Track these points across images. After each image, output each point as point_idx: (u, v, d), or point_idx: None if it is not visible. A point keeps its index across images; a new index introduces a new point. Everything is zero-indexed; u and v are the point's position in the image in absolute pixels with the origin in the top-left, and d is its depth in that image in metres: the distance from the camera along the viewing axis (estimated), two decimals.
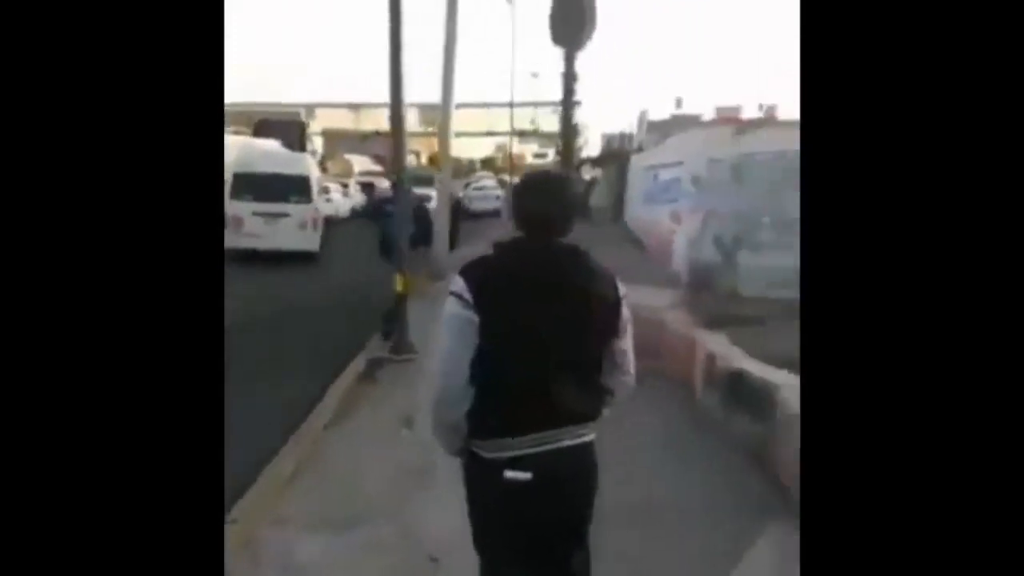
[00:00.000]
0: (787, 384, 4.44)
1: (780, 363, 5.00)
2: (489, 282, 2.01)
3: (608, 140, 34.28)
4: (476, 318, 1.95)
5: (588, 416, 2.10)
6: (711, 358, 5.45)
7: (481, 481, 2.08)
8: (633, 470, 4.41)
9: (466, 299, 1.97)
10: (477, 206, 26.72)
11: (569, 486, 2.08)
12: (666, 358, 6.58)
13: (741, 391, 4.88)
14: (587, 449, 2.11)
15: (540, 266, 2.04)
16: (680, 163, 12.41)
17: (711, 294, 9.99)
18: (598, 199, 27.24)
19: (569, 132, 27.74)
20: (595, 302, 2.06)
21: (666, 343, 6.59)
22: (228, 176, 14.39)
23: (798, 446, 3.87)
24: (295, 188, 14.08)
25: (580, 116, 30.98)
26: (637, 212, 18.54)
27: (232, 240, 13.29)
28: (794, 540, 3.46)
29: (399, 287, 7.04)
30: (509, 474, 2.00)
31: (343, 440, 4.98)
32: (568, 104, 27.23)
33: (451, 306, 2.00)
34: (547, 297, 2.01)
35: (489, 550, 2.13)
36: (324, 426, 5.15)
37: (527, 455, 2.00)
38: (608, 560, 3.16)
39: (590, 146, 38.07)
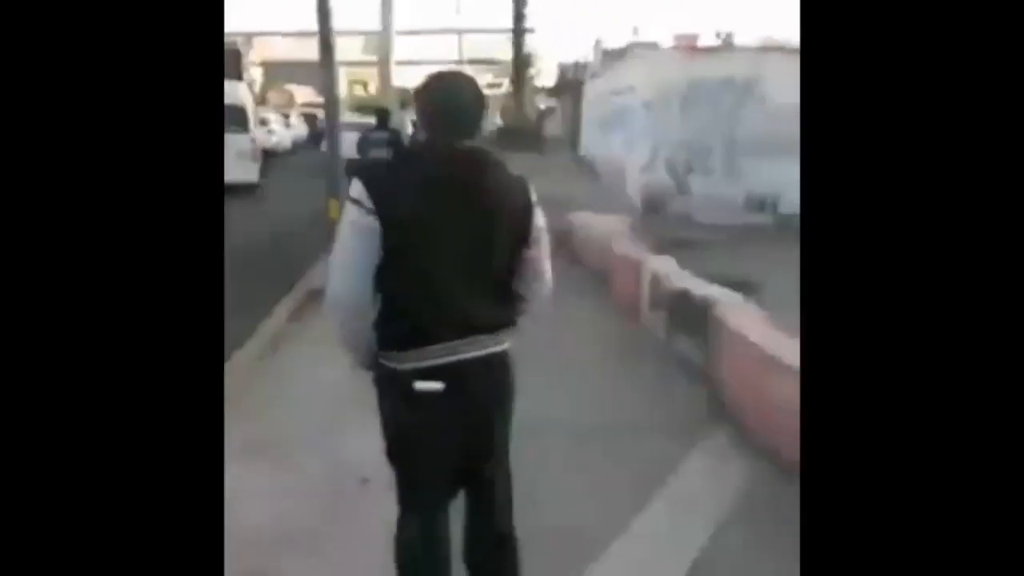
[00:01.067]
0: (724, 301, 4.46)
1: (725, 283, 5.06)
2: (390, 186, 1.90)
3: (563, 70, 33.72)
4: (377, 225, 1.86)
5: (500, 325, 2.03)
6: (656, 279, 5.45)
7: (391, 394, 2.00)
8: (576, 390, 4.45)
9: (366, 205, 1.86)
10: None
11: (483, 397, 2.02)
12: (615, 283, 6.59)
13: (682, 310, 4.90)
14: (501, 359, 2.05)
15: (445, 169, 1.93)
16: (632, 89, 12.25)
17: (663, 219, 10.06)
18: (552, 129, 27.04)
19: (521, 60, 27.49)
20: (504, 206, 1.97)
21: (615, 268, 6.58)
22: None
23: (733, 362, 3.98)
24: (230, 118, 13.53)
25: (534, 45, 30.48)
26: (592, 141, 18.40)
27: None
28: (726, 448, 3.67)
29: (332, 213, 6.88)
30: (419, 385, 1.93)
31: (276, 369, 4.92)
32: (520, 31, 26.82)
33: (350, 213, 1.89)
34: (452, 201, 1.90)
35: (403, 466, 2.07)
36: (258, 357, 5.07)
37: (437, 366, 1.93)
38: (547, 471, 3.30)
39: (545, 76, 37.40)
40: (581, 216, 8.38)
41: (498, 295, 2.03)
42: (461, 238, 1.92)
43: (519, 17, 26.84)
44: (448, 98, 1.97)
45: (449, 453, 2.04)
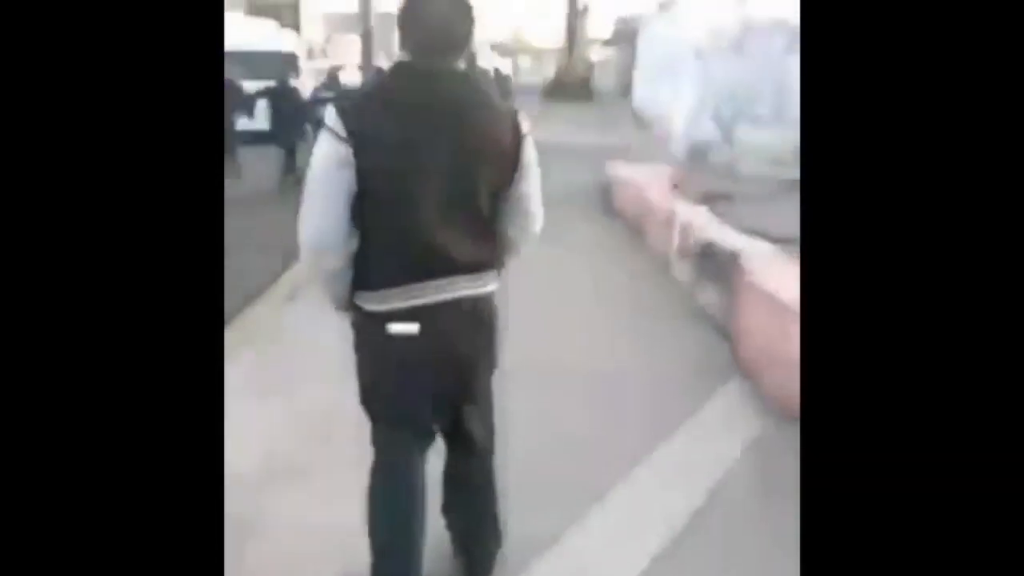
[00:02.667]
0: (750, 251, 4.31)
1: (761, 237, 4.89)
2: (366, 114, 1.79)
3: (620, 21, 32.84)
4: (351, 154, 1.74)
5: (482, 265, 1.93)
6: (685, 229, 5.31)
7: (366, 336, 1.93)
8: (595, 338, 4.40)
9: (340, 134, 1.74)
10: None
11: (462, 341, 1.94)
12: (648, 233, 6.45)
13: (708, 261, 4.76)
14: (482, 301, 1.96)
15: (424, 93, 1.80)
16: (682, 36, 11.83)
17: (707, 170, 9.76)
18: (607, 80, 26.47)
19: (573, 11, 26.81)
20: (490, 137, 1.84)
21: (648, 218, 6.44)
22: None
23: (755, 316, 3.85)
24: (286, 64, 13.56)
25: None
26: (643, 91, 17.94)
27: None
28: (737, 402, 3.60)
29: None
30: (394, 327, 1.85)
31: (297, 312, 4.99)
32: None
33: (324, 141, 1.77)
34: (432, 128, 1.77)
35: (378, 410, 2.01)
36: (289, 297, 5.13)
37: (413, 307, 1.84)
38: (555, 415, 3.34)
39: (601, 27, 36.48)
40: (619, 166, 8.19)
41: (482, 233, 1.91)
42: (441, 170, 1.80)
43: None
44: (429, 14, 1.82)
45: (424, 399, 1.97)
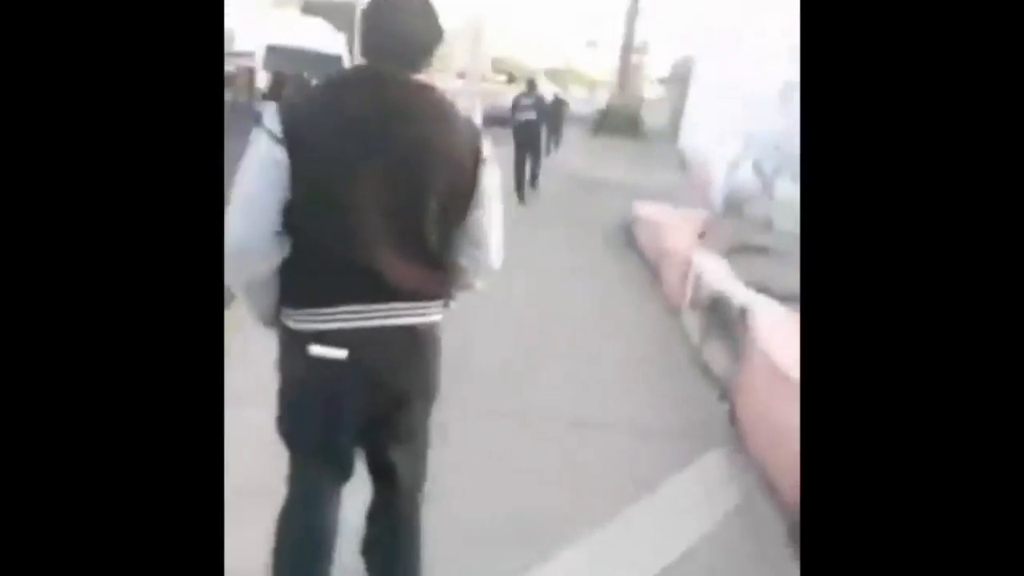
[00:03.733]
0: (760, 310, 4.06)
1: (783, 297, 4.66)
2: (308, 116, 1.65)
3: (679, 60, 32.78)
4: (285, 157, 1.60)
5: (425, 294, 1.77)
6: (699, 279, 5.07)
7: (288, 357, 1.77)
8: (590, 385, 4.19)
9: (276, 135, 1.61)
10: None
11: (394, 373, 1.77)
12: (663, 279, 6.23)
13: (718, 315, 4.52)
14: (422, 332, 1.79)
15: (375, 101, 1.66)
16: (732, 81, 11.63)
17: (742, 222, 9.51)
18: (659, 118, 26.32)
19: (629, 44, 26.75)
20: (442, 156, 1.69)
21: (665, 263, 6.22)
22: (260, 48, 14.64)
23: (755, 380, 3.61)
24: (329, 64, 13.67)
25: (648, 31, 29.57)
26: (689, 132, 17.74)
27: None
28: (724, 469, 3.36)
29: None
30: (315, 349, 1.69)
31: None
32: (632, 13, 26.09)
33: (258, 141, 1.64)
34: (379, 140, 1.64)
35: (294, 440, 1.84)
36: None
37: (341, 330, 1.69)
38: (543, 460, 3.18)
39: (659, 64, 36.37)
40: (647, 206, 7.99)
41: (427, 260, 1.75)
42: (387, 186, 1.65)
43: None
44: (391, 19, 1.70)
45: (346, 432, 1.81)
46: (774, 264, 7.76)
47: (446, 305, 1.88)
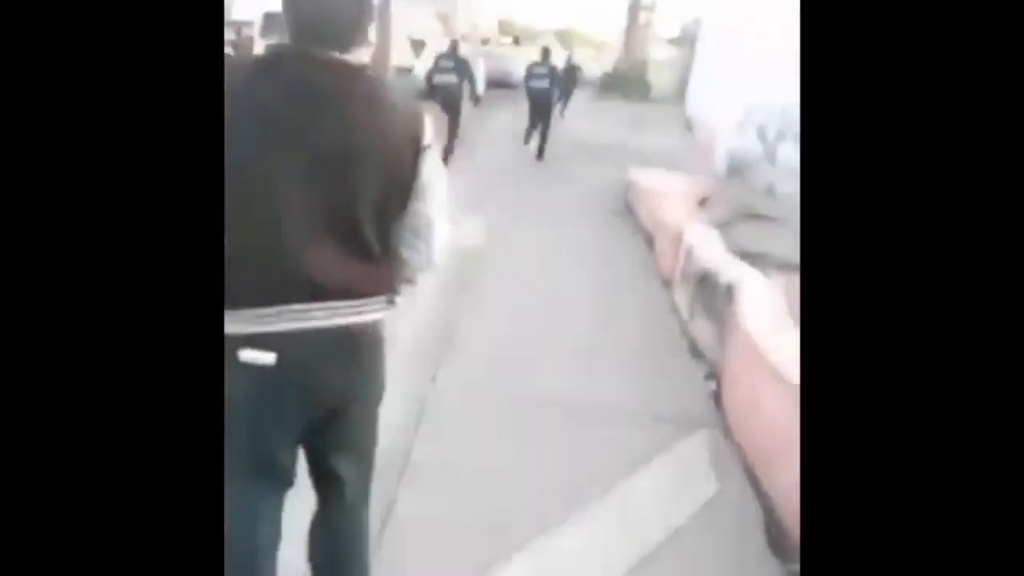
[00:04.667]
0: (746, 286, 3.91)
1: (782, 264, 4.52)
2: (227, 102, 1.50)
3: (689, 21, 32.10)
4: None
5: (363, 291, 1.65)
6: (689, 251, 4.93)
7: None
8: (572, 365, 4.08)
9: None
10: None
11: (330, 376, 1.66)
12: (656, 250, 6.08)
13: (705, 291, 4.38)
14: (361, 332, 1.67)
15: (297, 84, 1.54)
16: (737, 42, 11.32)
17: (744, 187, 9.29)
18: (667, 81, 25.85)
19: (636, 3, 26.17)
20: (376, 143, 1.57)
21: (658, 234, 6.07)
22: (258, 15, 14.49)
23: (740, 360, 3.48)
24: None
25: None
26: (696, 95, 17.39)
27: None
28: (706, 454, 3.27)
29: None
30: (244, 354, 1.58)
31: None
32: None
33: None
34: (302, 128, 1.52)
35: (229, 450, 1.75)
36: None
37: (270, 333, 1.57)
38: (513, 448, 3.09)
39: (668, 24, 35.64)
40: (643, 174, 7.80)
41: (365, 254, 1.63)
42: (315, 178, 1.53)
43: None
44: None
45: (281, 440, 1.70)
46: (775, 230, 7.60)
47: (390, 302, 1.75)
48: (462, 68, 11.03)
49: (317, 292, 1.59)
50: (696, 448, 3.27)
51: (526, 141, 12.27)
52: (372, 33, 1.66)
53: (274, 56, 1.63)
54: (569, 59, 18.98)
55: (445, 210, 1.75)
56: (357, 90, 1.59)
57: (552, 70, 12.09)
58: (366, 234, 1.62)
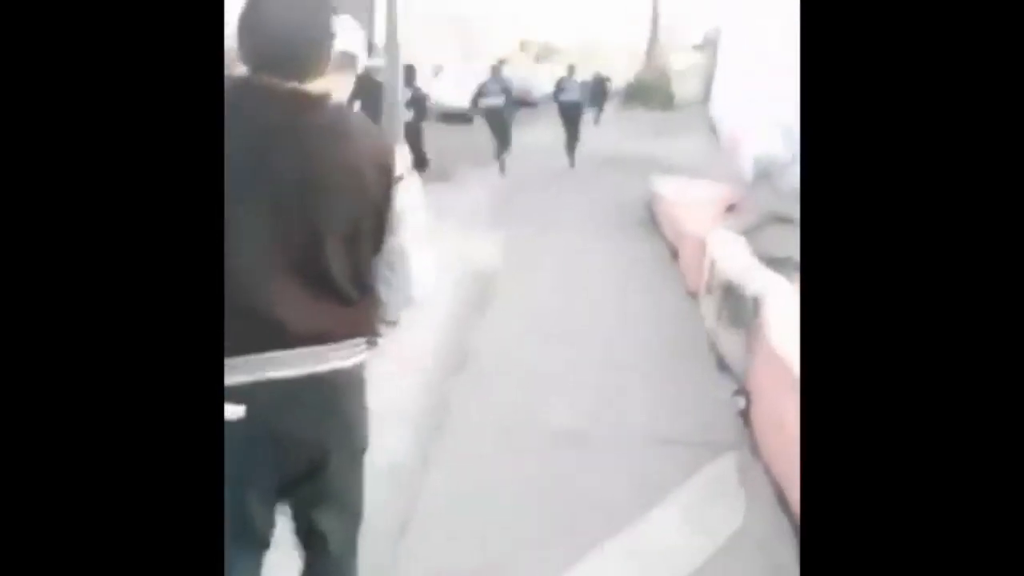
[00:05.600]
0: (774, 297, 3.72)
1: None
2: None
3: (711, 27, 31.89)
4: None
5: (338, 335, 1.54)
6: (713, 263, 4.74)
7: None
8: (596, 389, 3.90)
9: None
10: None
11: (305, 430, 1.55)
12: (682, 262, 5.90)
13: (732, 302, 4.20)
14: (336, 380, 1.55)
15: (257, 119, 1.46)
16: (760, 44, 11.12)
17: (772, 191, 9.07)
18: (692, 87, 25.61)
19: (658, 10, 25.96)
20: (342, 180, 1.48)
21: (683, 244, 5.89)
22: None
23: (767, 374, 3.30)
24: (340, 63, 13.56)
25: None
26: (720, 101, 17.13)
27: None
28: (734, 479, 3.08)
29: None
30: None
31: None
32: None
33: None
34: (265, 165, 1.44)
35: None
36: None
37: (238, 384, 1.45)
38: (533, 477, 2.95)
39: (693, 30, 35.36)
40: (666, 183, 7.63)
41: (337, 296, 1.52)
42: (278, 218, 1.44)
43: None
44: (269, 20, 1.45)
45: (256, 499, 1.58)
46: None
47: (370, 343, 1.64)
48: (507, 90, 12.18)
49: (287, 338, 1.48)
50: (722, 473, 3.08)
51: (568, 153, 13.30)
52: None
53: (229, 90, 1.53)
54: (597, 72, 19.32)
55: (424, 241, 1.64)
56: (317, 121, 1.49)
57: (580, 84, 13.64)
58: (336, 273, 1.51)
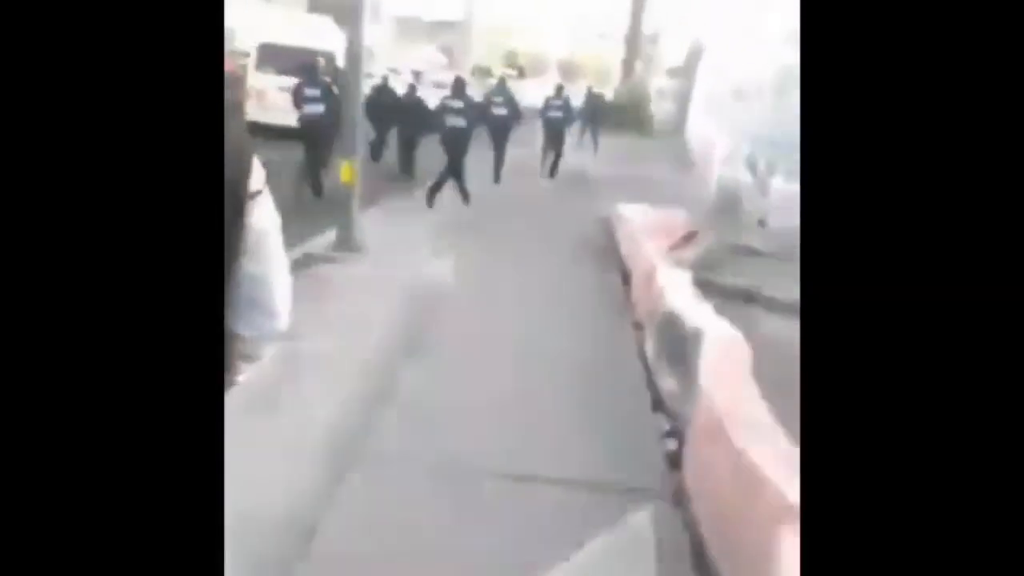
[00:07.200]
0: (716, 336, 3.59)
1: (772, 300, 4.21)
2: None
3: (693, 49, 32.06)
4: None
5: None
6: (660, 292, 4.61)
7: None
8: (523, 429, 3.72)
9: None
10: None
11: None
12: (631, 291, 5.78)
13: (672, 338, 4.07)
14: None
15: None
16: (724, 72, 11.12)
17: (735, 221, 9.01)
18: (665, 110, 25.72)
19: (636, 32, 26.07)
20: None
21: (633, 273, 5.77)
22: (253, 46, 14.42)
23: (700, 417, 3.16)
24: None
25: (659, 20, 28.84)
26: (693, 127, 17.15)
27: (254, 113, 13.30)
28: (650, 531, 2.92)
29: (345, 177, 6.30)
30: None
31: None
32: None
33: None
34: None
35: None
36: None
37: None
38: (461, 511, 2.80)
39: (672, 54, 35.55)
40: (628, 209, 7.52)
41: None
42: None
43: None
44: None
45: None
46: (766, 265, 7.31)
47: (232, 382, 1.50)
48: (511, 101, 12.33)
49: None
50: (639, 527, 2.91)
51: (543, 171, 13.68)
52: None
53: None
54: (590, 90, 19.07)
55: (283, 263, 1.49)
56: None
57: (566, 101, 14.08)
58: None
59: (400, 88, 13.52)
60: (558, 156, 13.80)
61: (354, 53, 6.40)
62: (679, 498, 3.09)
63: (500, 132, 12.15)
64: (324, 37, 15.14)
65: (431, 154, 10.91)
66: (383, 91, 13.10)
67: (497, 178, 12.06)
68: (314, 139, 8.91)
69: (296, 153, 9.26)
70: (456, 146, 9.53)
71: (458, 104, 9.87)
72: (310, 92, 9.01)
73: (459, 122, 9.61)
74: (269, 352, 1.58)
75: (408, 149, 12.51)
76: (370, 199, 7.71)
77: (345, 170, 6.29)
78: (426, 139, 11.75)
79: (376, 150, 12.94)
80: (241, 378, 1.54)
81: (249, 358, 1.54)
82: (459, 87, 10.21)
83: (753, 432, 2.64)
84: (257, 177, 1.41)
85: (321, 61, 10.16)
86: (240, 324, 1.44)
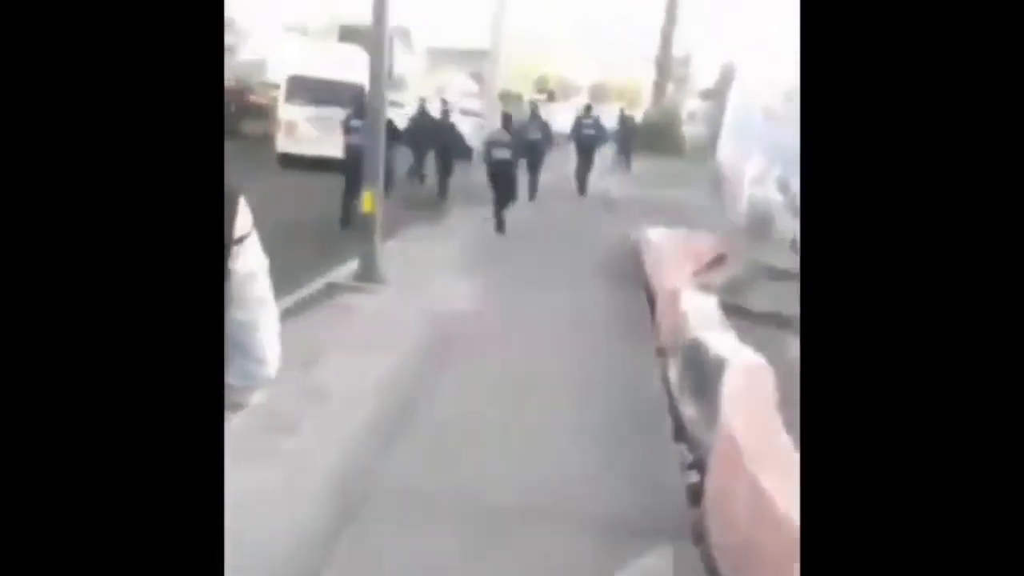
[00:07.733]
0: (738, 363, 3.46)
1: (795, 329, 4.07)
2: None
3: (725, 70, 31.88)
4: None
5: None
6: (684, 318, 4.48)
7: None
8: (554, 459, 3.62)
9: None
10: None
11: None
12: (656, 318, 5.65)
13: (695, 366, 3.94)
14: None
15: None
16: (757, 92, 10.96)
17: (766, 242, 8.82)
18: (697, 131, 25.54)
19: (667, 54, 25.95)
20: None
21: (659, 299, 5.65)
22: (283, 78, 14.78)
23: (723, 448, 3.03)
24: (351, 94, 13.25)
25: (690, 42, 28.76)
26: (725, 148, 16.95)
27: (284, 145, 13.78)
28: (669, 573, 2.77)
29: (367, 206, 6.30)
30: None
31: None
32: (670, 21, 25.35)
33: None
34: None
35: None
36: None
37: None
38: (474, 548, 2.70)
39: (704, 76, 35.38)
40: (656, 232, 7.40)
41: None
42: None
43: (671, 8, 25.62)
44: None
45: None
46: (795, 289, 7.12)
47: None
48: (544, 127, 12.76)
49: None
50: (657, 568, 2.78)
51: (579, 187, 14.23)
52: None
53: None
54: (622, 111, 19.38)
55: (271, 308, 1.45)
56: None
57: (596, 120, 14.72)
58: None
59: (435, 114, 13.78)
60: (587, 173, 14.37)
61: (379, 83, 6.43)
62: (699, 533, 2.96)
63: (535, 156, 12.75)
64: (354, 68, 15.32)
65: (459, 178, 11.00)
66: (423, 116, 13.30)
67: (532, 196, 12.63)
68: (356, 170, 8.95)
69: (325, 182, 9.36)
70: (505, 177, 10.24)
71: (505, 138, 10.41)
72: (355, 123, 9.00)
73: (504, 154, 10.19)
74: (257, 399, 1.53)
75: (445, 174, 12.62)
76: (392, 228, 7.68)
77: (367, 199, 6.29)
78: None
79: (415, 175, 13.16)
80: (231, 424, 1.49)
81: (237, 406, 1.49)
82: (507, 122, 10.85)
83: (773, 466, 2.51)
84: (243, 221, 1.37)
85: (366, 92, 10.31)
86: (227, 372, 1.39)
